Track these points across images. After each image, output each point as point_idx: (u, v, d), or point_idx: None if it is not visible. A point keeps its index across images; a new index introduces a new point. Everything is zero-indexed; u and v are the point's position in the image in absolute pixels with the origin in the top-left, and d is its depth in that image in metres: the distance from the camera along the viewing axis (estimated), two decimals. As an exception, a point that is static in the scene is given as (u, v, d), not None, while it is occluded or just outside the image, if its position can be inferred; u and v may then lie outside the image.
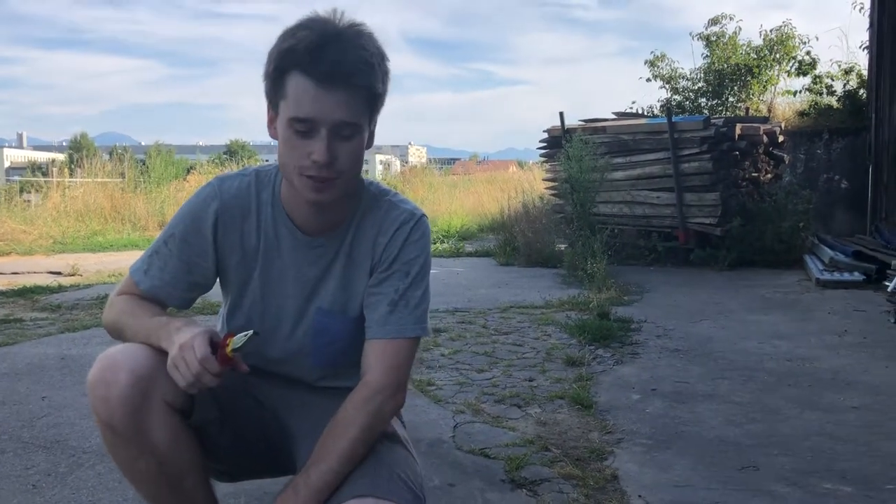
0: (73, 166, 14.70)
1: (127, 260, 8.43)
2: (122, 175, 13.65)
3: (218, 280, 1.57)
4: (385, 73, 1.37)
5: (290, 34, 1.33)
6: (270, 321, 1.53)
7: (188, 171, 16.34)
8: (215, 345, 1.32)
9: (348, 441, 1.37)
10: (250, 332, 1.32)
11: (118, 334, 1.50)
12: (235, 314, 1.56)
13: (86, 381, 1.37)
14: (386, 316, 1.47)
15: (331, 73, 1.29)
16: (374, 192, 1.54)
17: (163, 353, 1.34)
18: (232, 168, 16.34)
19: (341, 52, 1.30)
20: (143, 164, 15.05)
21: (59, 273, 7.45)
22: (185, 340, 1.30)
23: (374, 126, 1.43)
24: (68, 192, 12.82)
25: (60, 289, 6.41)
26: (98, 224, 11.78)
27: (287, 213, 1.49)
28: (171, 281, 1.51)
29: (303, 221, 1.49)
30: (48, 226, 11.06)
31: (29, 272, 7.58)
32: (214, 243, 1.50)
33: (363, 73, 1.32)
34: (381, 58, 1.36)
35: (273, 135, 1.41)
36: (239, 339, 1.31)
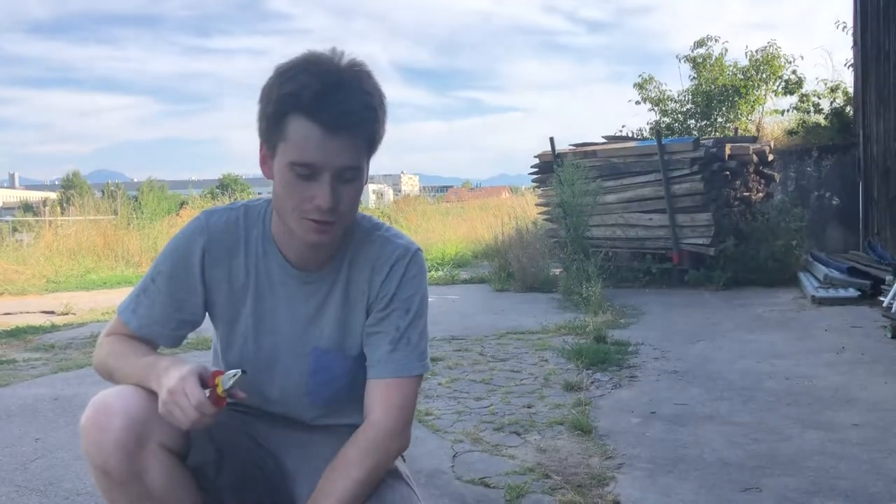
0: (65, 204, 14.72)
1: (121, 297, 8.28)
2: (115, 212, 13.66)
3: (208, 315, 1.55)
4: (385, 114, 1.36)
5: (289, 76, 1.29)
6: (265, 359, 1.51)
7: (181, 206, 16.39)
8: (204, 381, 1.30)
9: (352, 482, 1.35)
10: (238, 372, 1.30)
11: (108, 376, 1.48)
12: (229, 351, 1.54)
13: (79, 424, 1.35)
14: (388, 354, 1.45)
15: (337, 121, 1.27)
16: (366, 226, 1.51)
17: (157, 396, 1.32)
18: (225, 202, 16.38)
19: (346, 100, 1.28)
20: (136, 200, 15.10)
21: (52, 312, 7.40)
22: (174, 384, 1.28)
23: (370, 163, 1.42)
24: (61, 230, 12.81)
25: (53, 328, 6.37)
26: (91, 262, 11.75)
27: (278, 248, 1.47)
28: (161, 319, 1.49)
29: (295, 257, 1.46)
30: (41, 265, 11.01)
31: (22, 312, 7.53)
32: (202, 279, 1.48)
33: (368, 120, 1.32)
34: (381, 99, 1.35)
35: (267, 174, 1.38)
36: (227, 380, 1.30)
